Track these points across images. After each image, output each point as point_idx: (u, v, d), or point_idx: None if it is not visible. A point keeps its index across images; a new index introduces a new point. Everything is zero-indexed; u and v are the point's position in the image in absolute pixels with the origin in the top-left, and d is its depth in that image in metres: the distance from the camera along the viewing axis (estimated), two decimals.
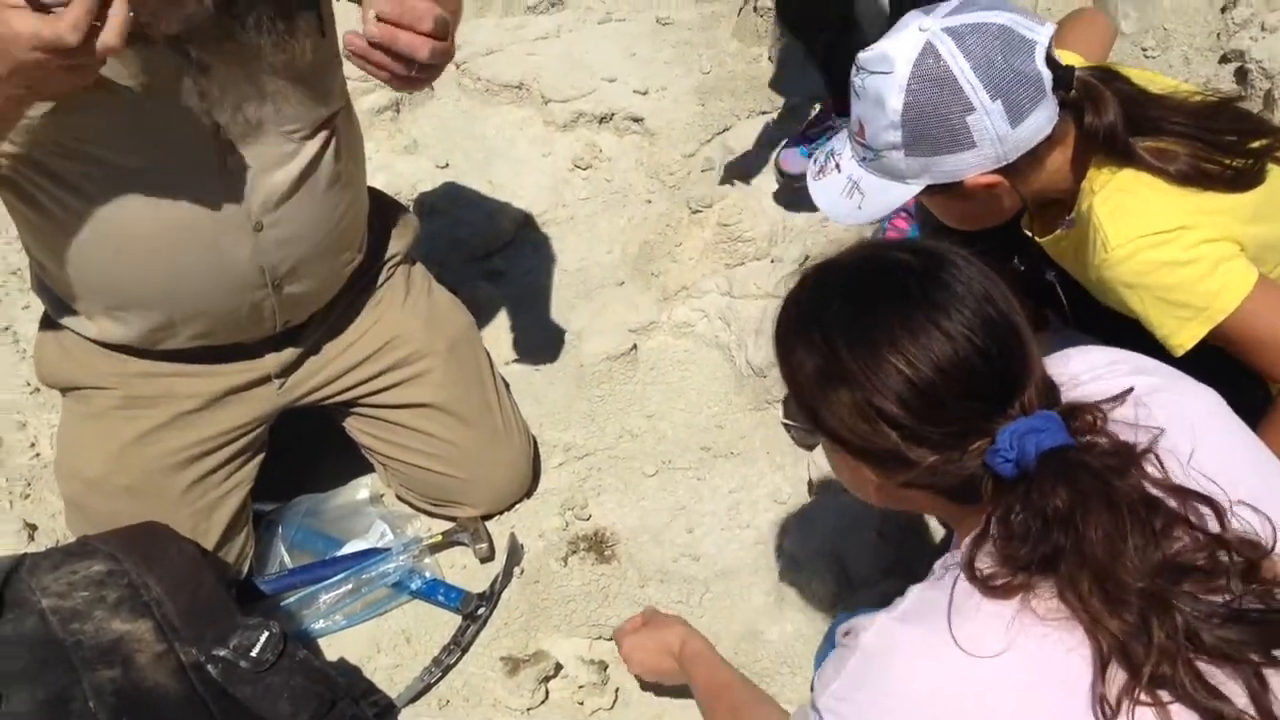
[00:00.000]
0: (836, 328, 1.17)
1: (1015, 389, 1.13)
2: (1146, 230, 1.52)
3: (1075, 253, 1.68)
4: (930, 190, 1.61)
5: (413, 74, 1.53)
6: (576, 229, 2.91)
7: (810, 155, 2.57)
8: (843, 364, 1.15)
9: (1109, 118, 1.55)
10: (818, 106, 2.90)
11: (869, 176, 1.63)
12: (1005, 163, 1.55)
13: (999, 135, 1.52)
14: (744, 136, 2.97)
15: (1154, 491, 1.10)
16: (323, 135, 1.91)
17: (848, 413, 1.16)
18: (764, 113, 3.06)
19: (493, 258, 2.85)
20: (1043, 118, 1.53)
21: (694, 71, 3.22)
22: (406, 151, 3.12)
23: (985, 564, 1.10)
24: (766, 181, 2.83)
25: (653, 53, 3.30)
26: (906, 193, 1.61)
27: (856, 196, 1.64)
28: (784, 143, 2.81)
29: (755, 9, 3.23)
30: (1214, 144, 1.56)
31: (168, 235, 1.81)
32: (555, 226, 2.93)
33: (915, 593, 1.14)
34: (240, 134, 1.78)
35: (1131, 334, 1.57)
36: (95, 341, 2.00)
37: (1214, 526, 1.08)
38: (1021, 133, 1.53)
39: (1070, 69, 1.56)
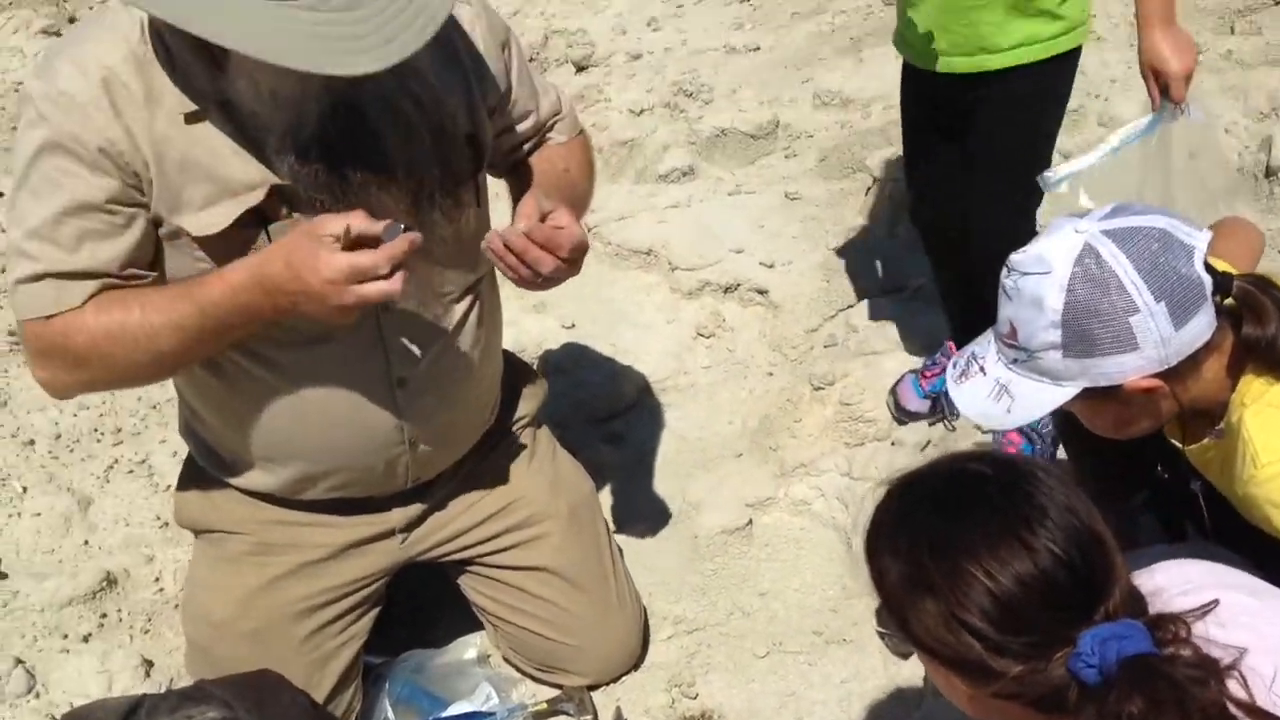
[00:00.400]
0: (920, 539, 1.21)
1: (1099, 598, 1.15)
2: None
3: (1222, 465, 1.64)
4: (1085, 394, 1.58)
5: (536, 282, 1.73)
6: (697, 397, 2.94)
7: (924, 394, 2.64)
8: (927, 575, 1.18)
9: (1271, 329, 1.53)
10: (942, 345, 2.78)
11: (1020, 379, 1.60)
12: (1167, 365, 1.52)
13: (1163, 337, 1.50)
14: (868, 315, 2.99)
15: (1234, 710, 1.09)
16: (469, 299, 2.00)
17: (933, 623, 1.18)
18: (888, 292, 3.09)
19: (613, 421, 2.89)
20: (1204, 322, 1.52)
21: (820, 247, 3.28)
22: (535, 310, 3.21)
23: None
24: (889, 362, 2.84)
25: (781, 226, 3.37)
26: (1061, 395, 1.58)
27: (1005, 400, 1.62)
28: (901, 378, 2.75)
29: (884, 189, 3.29)
30: None
31: (323, 394, 1.90)
32: (676, 393, 2.96)
33: None
34: (396, 300, 1.86)
35: (1276, 552, 1.53)
36: (237, 488, 2.06)
37: None
38: (1184, 335, 1.51)
39: (1228, 275, 1.55)
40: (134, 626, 2.44)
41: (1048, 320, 1.52)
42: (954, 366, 1.72)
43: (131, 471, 2.79)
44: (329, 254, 1.57)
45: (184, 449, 2.21)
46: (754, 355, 3.02)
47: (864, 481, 2.52)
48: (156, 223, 1.71)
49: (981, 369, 1.66)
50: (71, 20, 4.67)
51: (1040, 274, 1.53)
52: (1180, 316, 1.49)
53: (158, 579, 2.54)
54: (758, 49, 4.16)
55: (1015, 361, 1.61)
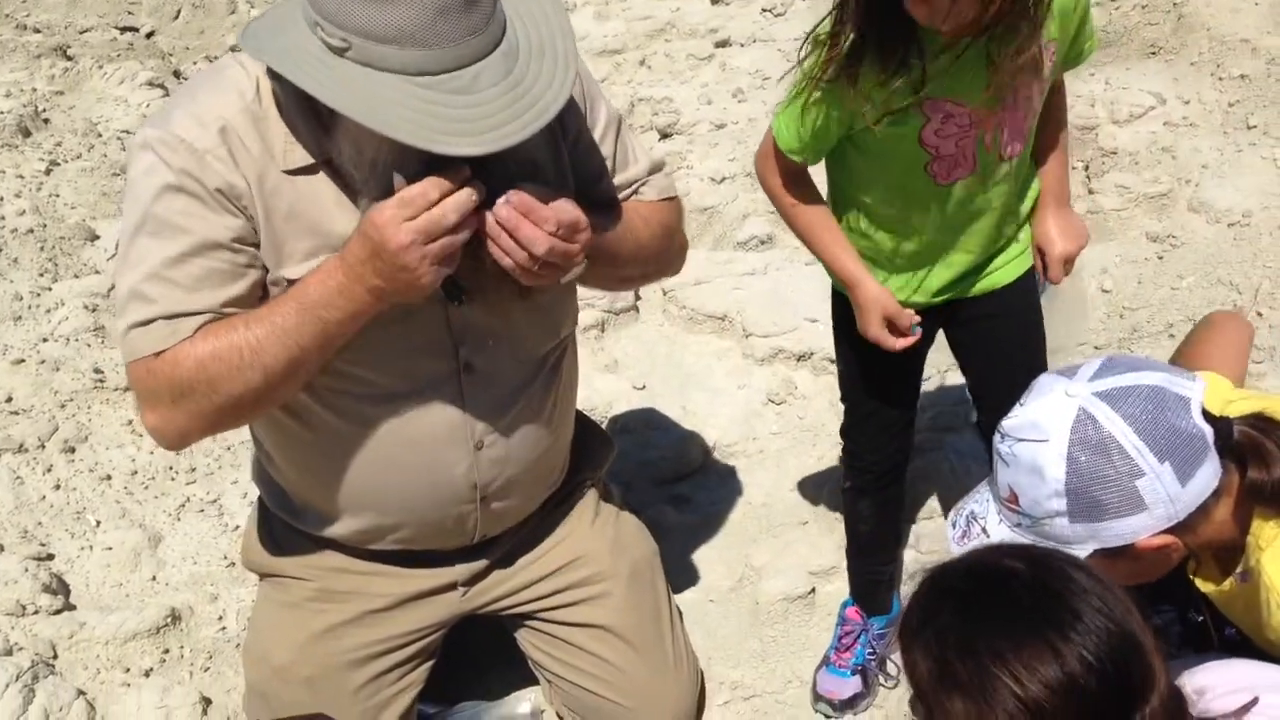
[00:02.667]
0: (948, 637, 1.17)
1: (1134, 703, 1.10)
2: None
3: (1246, 609, 1.58)
4: (1096, 553, 1.52)
5: (534, 268, 1.64)
6: (765, 463, 2.92)
7: (849, 673, 2.35)
8: (955, 674, 1.15)
9: (1276, 472, 1.49)
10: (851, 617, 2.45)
11: (1024, 541, 1.54)
12: (1176, 521, 1.48)
13: (1170, 496, 1.46)
14: (936, 389, 2.95)
15: None
16: (551, 360, 2.01)
17: None
18: (954, 367, 3.05)
19: (680, 483, 2.87)
20: (1209, 472, 1.48)
21: None
22: (606, 370, 3.22)
23: None
24: (958, 441, 2.79)
25: None
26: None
27: None
28: (814, 675, 2.40)
29: None
30: None
31: (401, 449, 1.90)
32: (744, 459, 2.94)
33: None
34: (480, 362, 1.89)
35: None
36: (305, 534, 2.08)
37: None
38: (1191, 490, 1.47)
39: (1227, 421, 1.51)
40: (195, 664, 2.46)
41: (1050, 489, 1.48)
42: (953, 527, 1.67)
43: (202, 510, 2.83)
44: (389, 209, 1.57)
45: (254, 491, 2.24)
46: (824, 423, 2.99)
47: (930, 555, 2.47)
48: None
49: (984, 530, 1.61)
50: (177, 75, 4.85)
51: (1036, 441, 1.49)
52: (1185, 473, 1.46)
53: (221, 618, 2.56)
54: None
55: (1019, 525, 1.57)
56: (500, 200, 1.61)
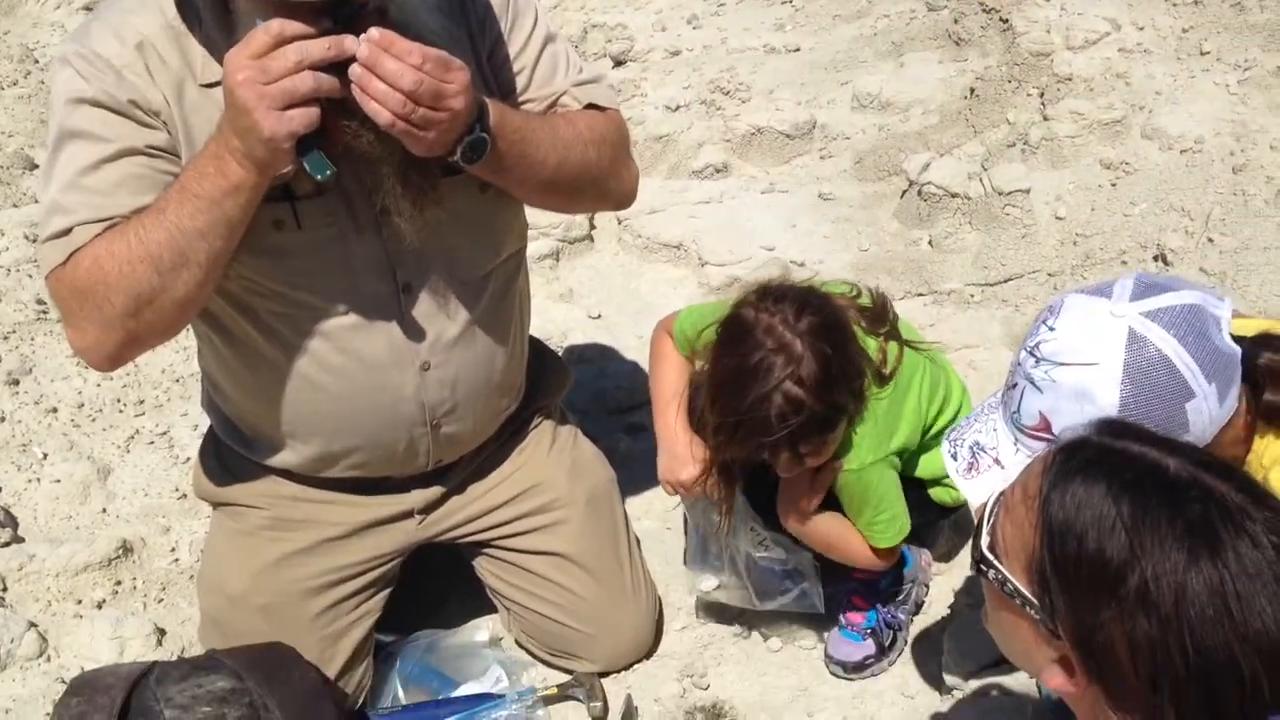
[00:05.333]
0: None
1: None
2: None
3: None
4: None
5: (411, 115, 1.54)
6: None
7: (860, 636, 2.25)
8: None
9: None
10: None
11: None
12: (1204, 443, 1.45)
13: (1211, 417, 1.44)
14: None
15: None
16: (494, 281, 1.98)
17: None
18: (919, 294, 3.06)
19: (636, 412, 2.86)
20: (1235, 393, 1.47)
21: (852, 248, 3.25)
22: (561, 299, 3.20)
23: None
24: None
25: (813, 226, 3.34)
26: None
27: None
28: (828, 636, 2.31)
29: (919, 193, 3.26)
30: None
31: (345, 372, 1.88)
32: None
33: None
34: (419, 282, 1.86)
35: None
36: (256, 463, 2.05)
37: None
38: (1224, 412, 1.45)
39: (1247, 341, 1.50)
40: (148, 595, 2.44)
41: (1100, 414, 1.39)
42: (954, 459, 1.62)
43: (152, 443, 2.79)
44: (235, 49, 1.52)
45: (205, 422, 2.21)
46: None
47: None
48: None
49: (997, 461, 1.56)
50: None
51: (1083, 365, 1.44)
52: (1224, 393, 1.44)
53: (174, 550, 2.54)
54: (798, 50, 4.13)
55: None
56: (360, 38, 1.52)
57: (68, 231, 1.67)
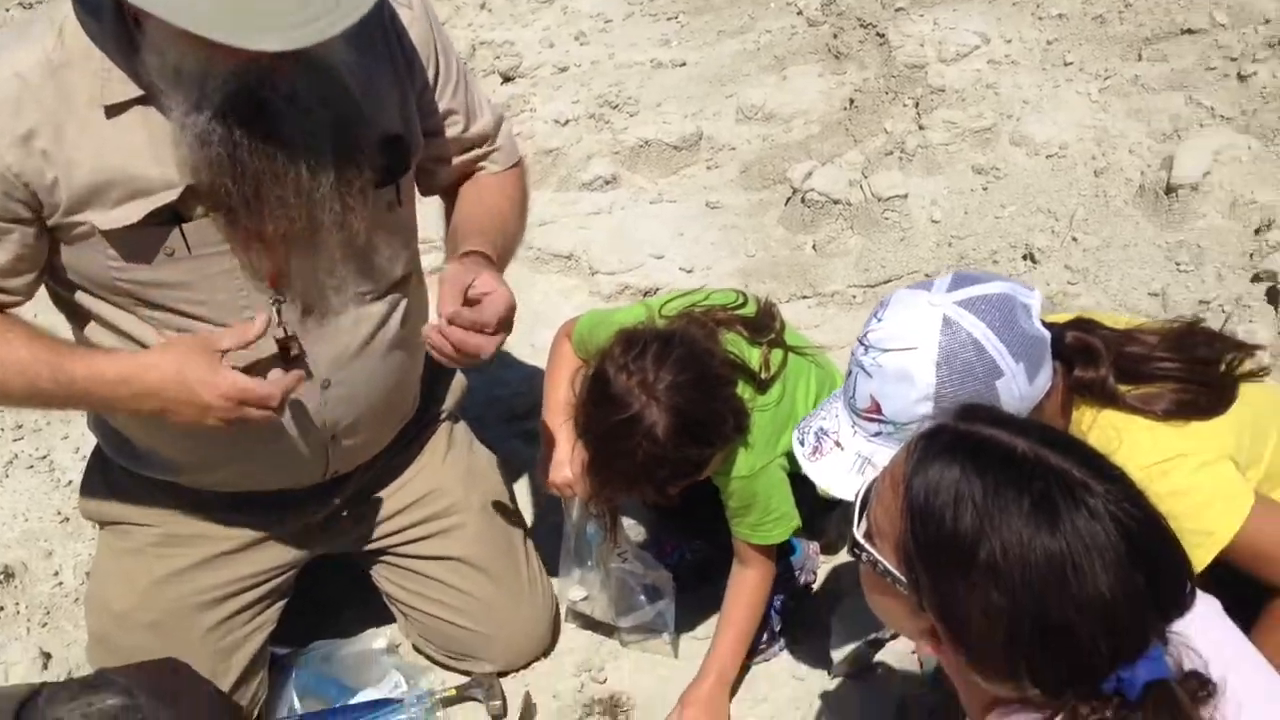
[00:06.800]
0: None
1: None
2: (1146, 462, 1.54)
3: None
4: None
5: (481, 360, 1.75)
6: None
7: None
8: None
9: (1102, 370, 1.64)
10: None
11: (885, 450, 1.61)
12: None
13: (1021, 394, 1.57)
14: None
15: None
16: (391, 298, 1.98)
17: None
18: (805, 296, 3.14)
19: (530, 419, 2.88)
20: (1048, 373, 1.61)
21: (739, 254, 3.32)
22: None
23: None
24: None
25: (700, 233, 3.41)
26: None
27: (870, 471, 1.62)
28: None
29: (803, 200, 3.35)
30: (1190, 378, 1.64)
31: None
32: None
33: None
34: (315, 304, 1.85)
35: None
36: (148, 479, 2.03)
37: None
38: (1035, 389, 1.60)
39: (1056, 326, 1.66)
40: (31, 620, 2.39)
41: (920, 394, 1.57)
42: (801, 444, 1.74)
43: (32, 466, 2.74)
44: (227, 373, 1.67)
45: (87, 445, 2.18)
46: None
47: None
48: (61, 228, 1.69)
49: (838, 443, 1.68)
50: None
51: (904, 349, 1.57)
52: (1033, 373, 1.58)
53: (57, 573, 2.49)
54: (684, 64, 4.21)
55: (878, 434, 1.64)
56: (438, 324, 1.69)
57: None
